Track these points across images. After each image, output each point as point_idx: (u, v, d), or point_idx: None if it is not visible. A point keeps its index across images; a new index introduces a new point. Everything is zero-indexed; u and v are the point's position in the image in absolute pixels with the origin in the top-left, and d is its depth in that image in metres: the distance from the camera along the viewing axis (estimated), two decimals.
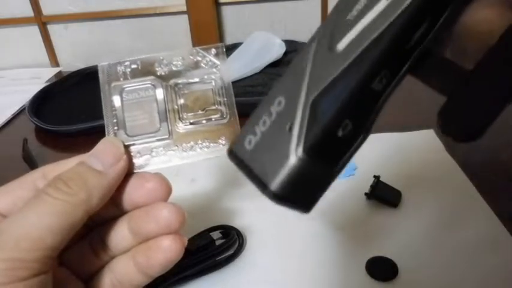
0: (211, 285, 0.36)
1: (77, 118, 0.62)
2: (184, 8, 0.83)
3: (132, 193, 0.25)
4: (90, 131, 0.60)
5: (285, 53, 0.70)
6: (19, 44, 0.91)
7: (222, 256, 0.37)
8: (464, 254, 0.37)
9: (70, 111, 0.68)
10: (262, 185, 0.17)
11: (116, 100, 0.27)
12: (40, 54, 0.91)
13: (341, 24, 0.18)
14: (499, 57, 0.17)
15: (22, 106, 0.71)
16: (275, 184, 0.17)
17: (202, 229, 0.39)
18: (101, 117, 0.26)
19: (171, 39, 0.88)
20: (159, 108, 0.27)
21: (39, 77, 0.84)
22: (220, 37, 0.86)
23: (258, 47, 0.70)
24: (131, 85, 0.27)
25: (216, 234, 0.39)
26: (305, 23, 0.85)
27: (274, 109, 0.18)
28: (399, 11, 0.17)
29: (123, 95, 0.27)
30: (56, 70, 0.88)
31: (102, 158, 0.24)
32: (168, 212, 0.24)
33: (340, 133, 0.17)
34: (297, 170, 0.17)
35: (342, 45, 0.17)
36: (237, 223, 0.41)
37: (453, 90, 0.18)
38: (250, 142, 0.18)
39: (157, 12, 0.86)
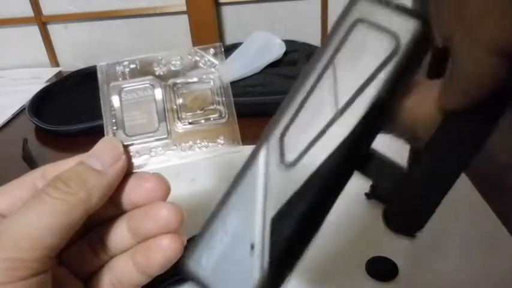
0: None
1: (77, 118, 0.62)
2: (184, 8, 0.83)
3: (131, 193, 0.25)
4: (90, 131, 0.60)
5: (285, 53, 0.70)
6: (19, 44, 0.91)
7: None
8: (464, 254, 0.37)
9: (70, 111, 0.68)
10: None
11: (115, 100, 0.26)
12: (40, 54, 0.91)
13: (290, 134, 0.19)
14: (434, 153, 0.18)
15: (22, 106, 0.71)
16: None
17: None
18: (101, 117, 0.26)
19: (171, 39, 0.88)
20: (157, 108, 0.27)
21: (39, 77, 0.84)
22: (220, 37, 0.86)
23: (258, 47, 0.70)
24: (130, 85, 0.27)
25: None
26: (305, 23, 0.85)
27: (231, 226, 0.19)
28: (350, 129, 0.18)
29: (122, 95, 0.27)
30: (56, 70, 0.88)
31: (102, 157, 0.24)
32: (167, 211, 0.24)
33: (298, 246, 0.18)
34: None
35: (294, 160, 0.18)
36: None
37: (392, 188, 0.19)
38: (208, 259, 0.19)
39: (157, 12, 0.86)
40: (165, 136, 0.26)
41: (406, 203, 0.19)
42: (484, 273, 0.35)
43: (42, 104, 0.69)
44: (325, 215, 0.19)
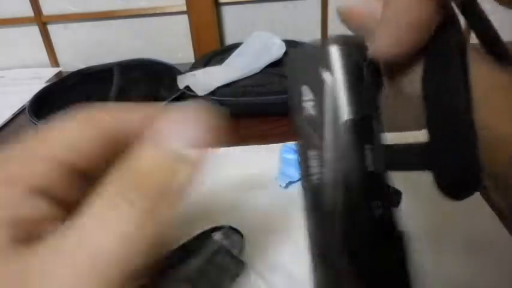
0: None
1: None
2: (184, 8, 0.83)
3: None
4: None
5: (285, 53, 0.70)
6: (19, 44, 0.91)
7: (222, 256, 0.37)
8: (464, 253, 0.37)
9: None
10: None
11: None
12: (40, 54, 0.91)
13: None
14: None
15: (22, 106, 0.71)
16: None
17: (202, 229, 0.39)
18: None
19: (171, 39, 0.88)
20: None
21: (39, 77, 0.84)
22: (221, 37, 0.86)
23: (258, 47, 0.70)
24: None
25: (216, 235, 0.39)
26: (305, 23, 0.85)
27: None
28: None
29: None
30: (56, 70, 0.88)
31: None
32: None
33: None
34: None
35: None
36: (238, 223, 0.41)
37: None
38: None
39: (157, 12, 0.86)
40: None
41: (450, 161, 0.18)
42: (484, 273, 0.35)
43: (42, 104, 0.69)
44: None
